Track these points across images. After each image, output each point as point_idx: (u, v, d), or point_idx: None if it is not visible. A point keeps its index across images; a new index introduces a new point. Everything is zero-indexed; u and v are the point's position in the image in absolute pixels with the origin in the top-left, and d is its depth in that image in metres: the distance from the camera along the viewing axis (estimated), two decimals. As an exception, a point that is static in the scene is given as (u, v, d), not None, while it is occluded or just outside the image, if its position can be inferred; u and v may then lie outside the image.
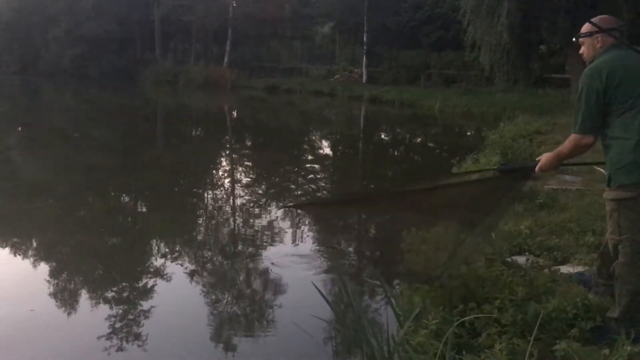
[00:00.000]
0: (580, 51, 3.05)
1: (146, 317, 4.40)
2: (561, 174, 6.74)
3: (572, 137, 2.93)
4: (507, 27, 15.28)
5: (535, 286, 3.27)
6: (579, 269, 3.85)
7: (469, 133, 16.95)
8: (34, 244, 6.31)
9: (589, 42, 2.97)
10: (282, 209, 4.43)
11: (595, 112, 2.80)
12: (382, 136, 17.46)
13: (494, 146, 9.24)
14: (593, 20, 2.96)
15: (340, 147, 15.17)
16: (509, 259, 3.78)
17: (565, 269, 3.82)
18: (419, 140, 16.63)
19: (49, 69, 36.91)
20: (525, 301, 3.03)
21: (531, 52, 17.28)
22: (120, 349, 3.89)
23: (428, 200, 3.36)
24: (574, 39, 3.10)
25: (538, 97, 18.81)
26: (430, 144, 15.65)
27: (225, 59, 34.39)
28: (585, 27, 3.00)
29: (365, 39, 29.17)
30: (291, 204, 4.16)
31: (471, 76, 24.33)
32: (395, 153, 14.31)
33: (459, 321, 2.82)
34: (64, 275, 5.35)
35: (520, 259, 3.93)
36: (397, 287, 3.47)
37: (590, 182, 6.37)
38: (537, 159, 3.14)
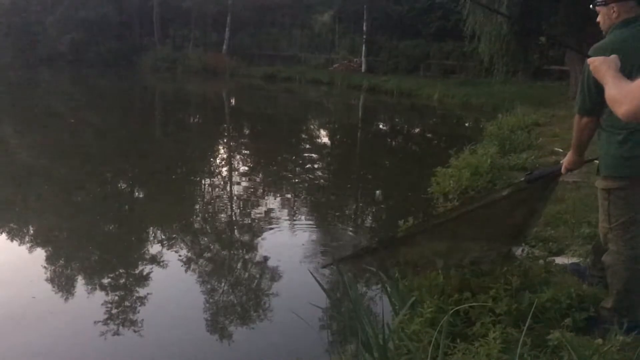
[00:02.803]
0: (597, 20, 2.87)
1: (143, 304, 4.43)
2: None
3: (575, 118, 2.88)
4: (506, 17, 15.20)
5: (530, 276, 3.29)
6: (574, 260, 3.88)
7: (467, 124, 16.94)
8: (35, 231, 6.33)
9: (605, 11, 2.79)
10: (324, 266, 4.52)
11: (595, 95, 2.66)
12: (381, 126, 17.44)
13: (492, 137, 9.25)
14: None
15: (338, 136, 15.15)
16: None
17: (560, 260, 3.85)
18: (417, 130, 16.62)
19: (46, 54, 36.67)
20: (520, 291, 3.04)
21: (530, 43, 17.23)
22: (117, 333, 3.92)
23: (461, 227, 3.35)
24: (591, 6, 2.90)
25: (537, 89, 18.77)
26: (429, 134, 15.63)
27: (224, 46, 34.19)
28: None
29: (365, 28, 29.00)
30: (331, 263, 4.24)
31: (470, 67, 24.23)
32: (393, 143, 14.30)
33: (454, 310, 2.85)
34: (63, 262, 5.37)
35: (516, 250, 3.95)
36: (393, 276, 3.48)
37: (587, 174, 6.38)
38: (561, 162, 3.13)
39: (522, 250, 3.83)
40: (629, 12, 2.70)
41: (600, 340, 2.56)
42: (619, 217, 2.75)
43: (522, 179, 3.28)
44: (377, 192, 5.93)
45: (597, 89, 2.66)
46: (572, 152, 3.02)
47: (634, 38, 2.63)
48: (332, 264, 3.84)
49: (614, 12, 2.74)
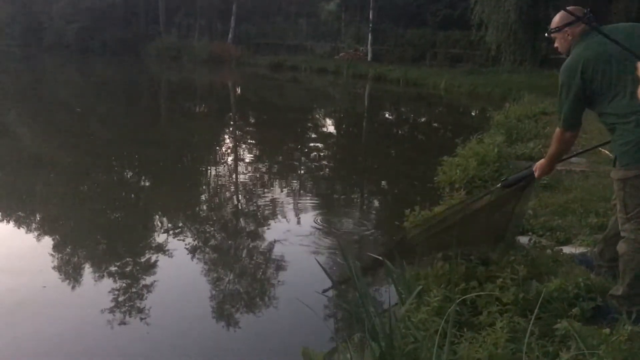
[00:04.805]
0: (555, 45, 3.16)
1: (150, 292, 4.44)
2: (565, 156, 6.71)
3: (557, 133, 3.07)
4: (514, 6, 15.12)
5: (537, 266, 3.28)
6: (582, 249, 3.86)
7: (474, 113, 16.87)
8: (44, 220, 6.35)
9: (560, 36, 3.08)
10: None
11: (577, 108, 2.93)
12: (387, 115, 17.38)
13: (499, 126, 9.21)
14: (559, 14, 3.07)
15: (344, 126, 15.12)
16: (514, 238, 3.78)
17: (567, 250, 3.83)
18: (423, 119, 16.56)
19: (52, 42, 36.73)
20: (527, 280, 3.04)
21: (538, 31, 17.10)
22: (123, 322, 3.94)
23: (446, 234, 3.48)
24: (546, 35, 3.23)
25: (544, 78, 18.60)
26: (435, 124, 15.58)
27: (230, 35, 34.12)
28: (554, 23, 3.10)
29: (371, 16, 28.85)
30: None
31: (477, 56, 24.11)
32: (399, 132, 14.26)
33: (461, 299, 2.84)
34: (72, 251, 5.38)
35: (523, 239, 3.93)
36: (399, 264, 3.47)
37: (595, 164, 6.36)
38: (534, 167, 3.30)
39: (530, 240, 3.81)
40: (581, 31, 2.98)
41: (608, 330, 2.55)
42: (635, 206, 2.77)
43: (499, 185, 3.45)
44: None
45: (578, 102, 2.89)
46: (547, 162, 3.21)
47: (593, 46, 2.86)
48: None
49: (568, 35, 3.03)
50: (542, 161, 3.24)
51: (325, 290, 3.69)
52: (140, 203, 7.19)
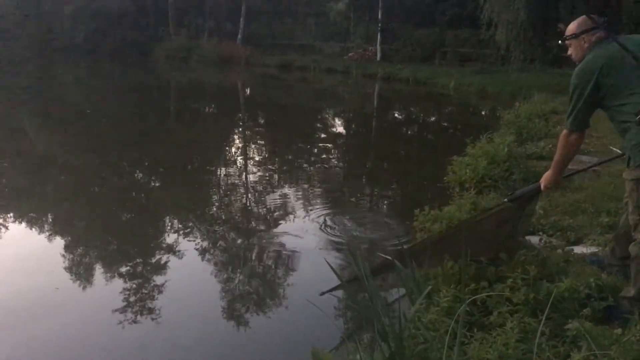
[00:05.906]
0: (568, 52, 3.14)
1: (160, 293, 4.47)
2: (578, 155, 6.66)
3: (563, 135, 3.04)
4: (524, 4, 15.03)
5: (548, 266, 3.27)
6: (593, 249, 3.84)
7: (483, 112, 16.79)
8: (56, 221, 6.40)
9: (576, 43, 3.07)
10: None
11: (588, 111, 2.93)
12: (396, 115, 17.34)
13: (509, 125, 9.16)
14: (576, 21, 3.06)
15: (353, 126, 15.11)
16: (522, 239, 3.77)
17: (578, 249, 3.81)
18: (432, 119, 16.51)
19: (62, 45, 36.92)
20: (538, 281, 3.02)
21: (548, 30, 17.00)
22: (134, 322, 3.96)
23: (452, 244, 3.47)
24: (559, 42, 3.22)
25: (554, 76, 18.47)
26: (444, 123, 15.53)
27: (239, 36, 34.17)
28: (570, 30, 3.09)
29: (380, 16, 28.80)
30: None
31: (487, 55, 23.98)
32: (409, 132, 14.22)
33: (471, 299, 2.83)
34: (84, 253, 5.42)
35: (534, 239, 3.92)
36: (409, 264, 3.47)
37: (606, 163, 6.30)
38: (540, 181, 3.26)
39: (540, 240, 3.80)
40: (597, 39, 2.98)
41: (619, 330, 2.54)
42: None
43: (505, 199, 3.43)
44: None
45: (590, 104, 2.90)
46: (553, 171, 3.15)
47: (608, 50, 2.87)
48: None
49: (584, 42, 3.02)
50: (548, 172, 3.20)
51: (323, 292, 3.67)
52: (151, 204, 7.23)
